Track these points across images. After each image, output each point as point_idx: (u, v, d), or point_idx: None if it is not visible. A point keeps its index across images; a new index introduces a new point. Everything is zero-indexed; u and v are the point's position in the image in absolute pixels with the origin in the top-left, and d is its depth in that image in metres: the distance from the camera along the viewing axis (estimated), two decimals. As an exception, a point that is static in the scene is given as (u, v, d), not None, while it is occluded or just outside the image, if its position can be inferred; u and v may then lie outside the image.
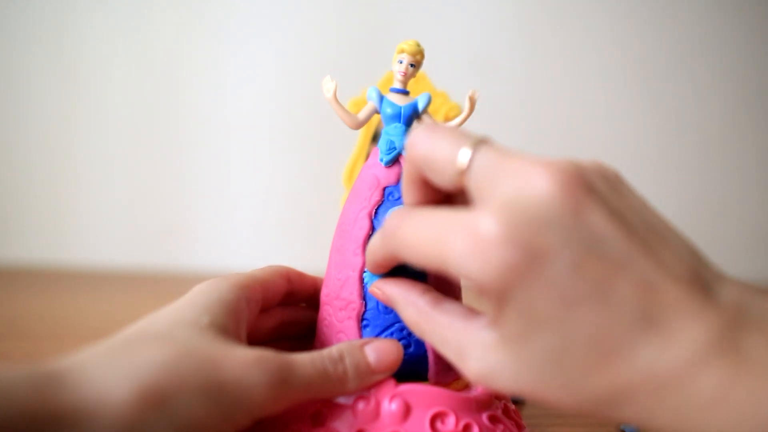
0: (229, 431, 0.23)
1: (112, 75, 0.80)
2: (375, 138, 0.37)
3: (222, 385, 0.23)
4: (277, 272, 0.32)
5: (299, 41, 0.79)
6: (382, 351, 0.28)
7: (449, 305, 0.25)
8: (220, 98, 0.80)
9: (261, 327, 0.31)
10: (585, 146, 0.80)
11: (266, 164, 0.81)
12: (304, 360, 0.26)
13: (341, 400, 0.28)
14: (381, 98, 0.31)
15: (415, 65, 0.31)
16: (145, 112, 0.80)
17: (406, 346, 0.29)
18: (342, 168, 0.38)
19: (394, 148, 0.30)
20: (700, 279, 0.21)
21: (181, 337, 0.24)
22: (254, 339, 0.30)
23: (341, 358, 0.27)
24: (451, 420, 0.27)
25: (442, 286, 0.28)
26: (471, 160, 0.22)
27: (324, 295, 0.31)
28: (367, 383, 0.28)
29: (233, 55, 0.80)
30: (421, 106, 0.31)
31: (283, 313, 0.33)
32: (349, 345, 0.28)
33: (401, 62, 0.30)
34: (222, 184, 0.81)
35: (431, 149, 0.23)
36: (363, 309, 0.29)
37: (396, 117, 0.30)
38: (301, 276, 0.33)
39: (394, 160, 0.30)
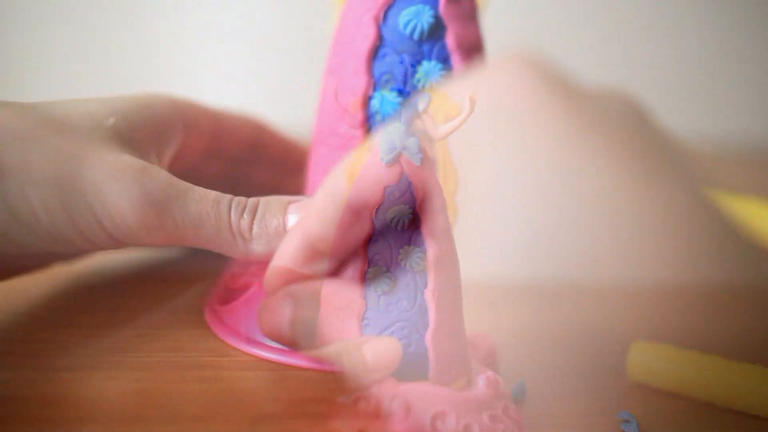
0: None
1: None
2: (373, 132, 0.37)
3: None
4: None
5: (295, 40, 0.79)
6: (379, 349, 0.28)
7: None
8: (199, 93, 0.80)
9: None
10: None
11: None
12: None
13: (341, 399, 0.28)
14: (382, 98, 0.31)
15: (416, 65, 0.31)
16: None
17: (406, 346, 0.29)
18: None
19: (395, 148, 0.30)
20: None
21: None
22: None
23: (338, 356, 0.27)
24: (451, 419, 0.27)
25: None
26: None
27: (324, 293, 0.31)
28: (366, 382, 0.27)
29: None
30: (421, 107, 0.31)
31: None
32: (346, 343, 0.28)
33: (402, 62, 0.30)
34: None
35: None
36: (364, 308, 0.29)
37: (396, 117, 0.30)
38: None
39: (395, 160, 0.30)
